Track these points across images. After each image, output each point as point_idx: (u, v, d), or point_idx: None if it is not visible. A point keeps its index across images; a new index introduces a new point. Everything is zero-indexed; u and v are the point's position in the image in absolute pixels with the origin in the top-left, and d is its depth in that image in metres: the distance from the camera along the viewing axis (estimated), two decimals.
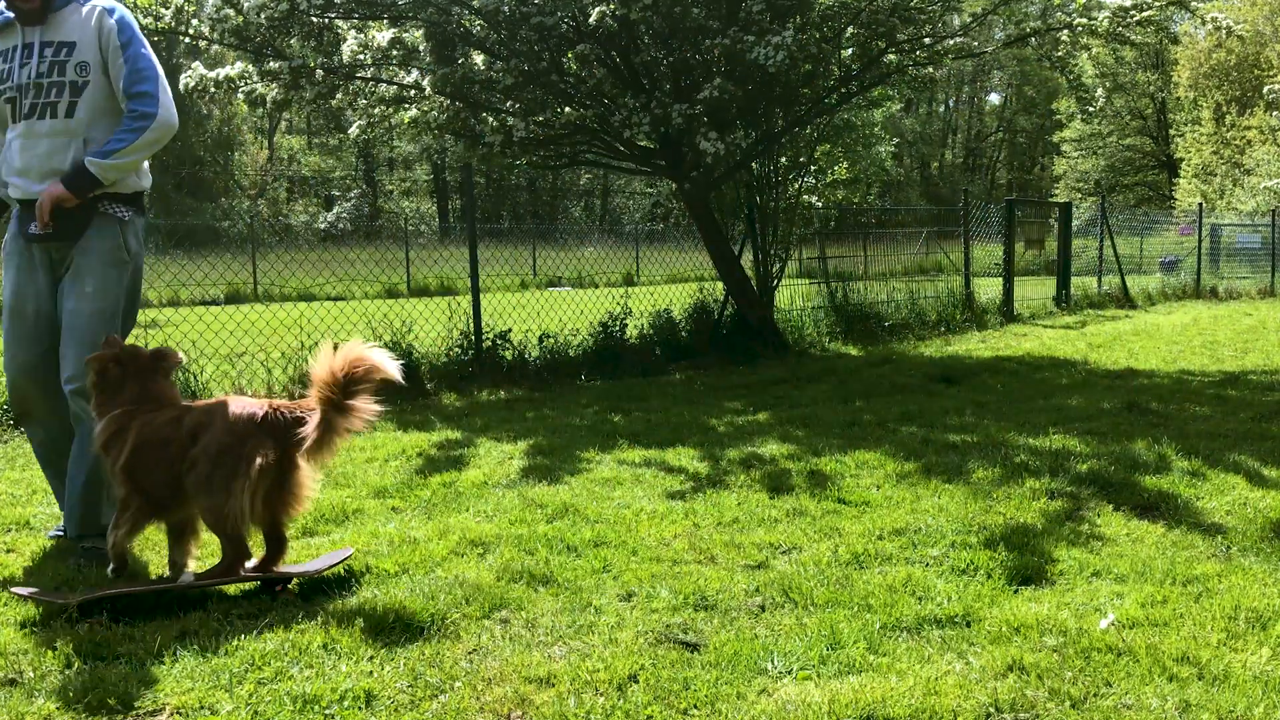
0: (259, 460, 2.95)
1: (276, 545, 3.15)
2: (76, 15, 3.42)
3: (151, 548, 3.55)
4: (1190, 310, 14.50)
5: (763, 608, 2.95)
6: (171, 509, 3.14)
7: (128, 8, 7.07)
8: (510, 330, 7.99)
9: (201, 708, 2.37)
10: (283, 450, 3.01)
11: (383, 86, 8.29)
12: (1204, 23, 8.31)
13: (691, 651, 2.65)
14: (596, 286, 18.38)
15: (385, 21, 7.77)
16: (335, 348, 2.99)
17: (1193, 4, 8.06)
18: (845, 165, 11.10)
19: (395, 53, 7.65)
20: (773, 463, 4.74)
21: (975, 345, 9.98)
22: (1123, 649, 2.61)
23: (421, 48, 7.74)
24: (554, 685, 2.46)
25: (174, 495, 3.08)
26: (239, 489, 2.94)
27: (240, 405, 3.08)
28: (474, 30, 7.82)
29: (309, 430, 2.97)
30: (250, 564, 3.12)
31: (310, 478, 3.13)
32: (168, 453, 3.05)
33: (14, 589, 3.03)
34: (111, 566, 3.19)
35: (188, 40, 7.61)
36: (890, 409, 6.15)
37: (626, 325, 8.52)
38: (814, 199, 10.39)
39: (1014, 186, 58.02)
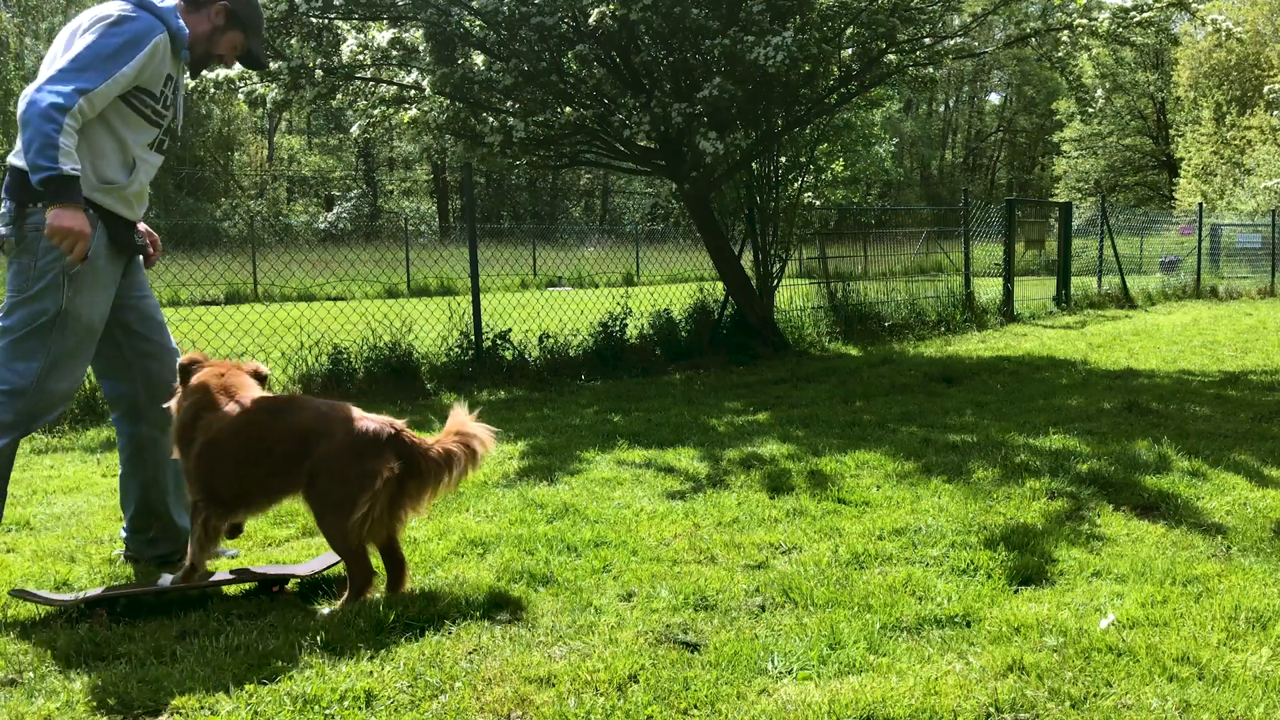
0: (385, 475, 2.91)
1: (397, 566, 3.05)
2: None
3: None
4: (1190, 310, 14.50)
5: (763, 608, 2.95)
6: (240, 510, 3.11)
7: None
8: (510, 330, 7.99)
9: (201, 708, 2.37)
10: (404, 469, 2.96)
11: (383, 86, 8.29)
12: (1204, 24, 8.30)
13: (691, 651, 2.65)
14: (596, 286, 18.38)
15: (385, 22, 7.77)
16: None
17: (1193, 5, 8.05)
18: (841, 164, 11.09)
19: (395, 53, 7.65)
20: (773, 463, 4.74)
21: (975, 345, 9.98)
22: (1123, 649, 2.61)
23: (421, 48, 7.74)
24: (554, 685, 2.46)
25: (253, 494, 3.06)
26: (363, 505, 2.89)
27: (360, 418, 3.01)
28: (474, 30, 7.82)
29: (433, 453, 2.96)
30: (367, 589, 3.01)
31: (427, 499, 3.08)
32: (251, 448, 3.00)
33: (16, 591, 3.03)
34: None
35: None
36: (890, 409, 6.15)
37: (626, 325, 8.52)
38: (810, 198, 10.38)
39: (1014, 186, 58.03)
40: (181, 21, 3.26)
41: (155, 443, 3.41)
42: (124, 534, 3.52)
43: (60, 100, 2.93)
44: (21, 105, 2.97)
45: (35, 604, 2.97)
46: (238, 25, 3.42)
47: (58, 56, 3.09)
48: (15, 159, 3.06)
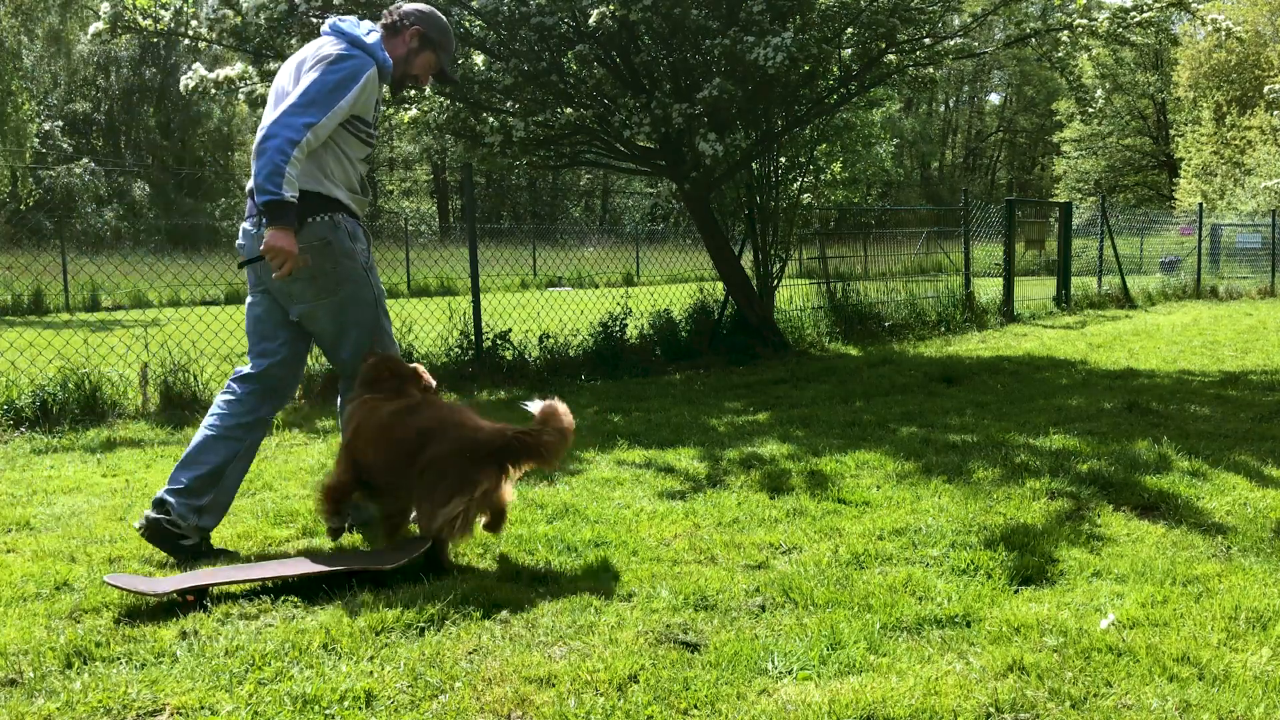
0: (485, 486, 3.23)
1: (497, 519, 3.41)
2: None
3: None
4: (1190, 310, 14.50)
5: (763, 608, 2.95)
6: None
7: (125, 9, 7.10)
8: (510, 330, 7.99)
9: (201, 708, 2.37)
10: (502, 474, 3.29)
11: None
12: (1204, 24, 8.30)
13: (692, 651, 2.65)
14: (596, 286, 18.38)
15: None
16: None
17: (1193, 5, 8.05)
18: (839, 164, 11.09)
19: None
20: (773, 463, 4.74)
21: (975, 345, 9.98)
22: (1123, 649, 2.61)
23: None
24: (554, 685, 2.46)
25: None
26: (456, 507, 3.18)
27: (474, 426, 3.34)
28: (474, 30, 7.82)
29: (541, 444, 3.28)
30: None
31: (509, 499, 3.38)
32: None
33: (109, 579, 3.05)
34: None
35: (187, 41, 7.60)
36: (890, 409, 6.15)
37: (626, 325, 8.52)
38: (809, 198, 10.38)
39: (1014, 186, 58.05)
40: (386, 54, 3.69)
41: (262, 425, 3.76)
42: (167, 496, 3.59)
43: (293, 135, 3.38)
44: (260, 135, 3.41)
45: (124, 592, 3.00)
46: (430, 46, 3.83)
47: (286, 91, 3.55)
48: (287, 190, 3.43)
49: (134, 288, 16.74)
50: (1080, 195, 42.32)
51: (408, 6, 3.85)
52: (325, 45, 3.58)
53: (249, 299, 3.75)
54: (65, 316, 14.89)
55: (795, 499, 4.09)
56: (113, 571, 3.31)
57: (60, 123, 37.98)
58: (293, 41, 7.47)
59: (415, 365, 3.74)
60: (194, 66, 7.63)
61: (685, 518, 3.86)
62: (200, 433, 3.63)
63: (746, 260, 9.61)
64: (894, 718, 2.28)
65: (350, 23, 3.65)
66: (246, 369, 3.72)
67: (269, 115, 3.49)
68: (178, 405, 6.37)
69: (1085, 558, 3.33)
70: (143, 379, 6.45)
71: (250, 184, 3.53)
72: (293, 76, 3.58)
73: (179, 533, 3.47)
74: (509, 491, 3.35)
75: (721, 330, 9.20)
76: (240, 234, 3.68)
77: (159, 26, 7.26)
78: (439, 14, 3.91)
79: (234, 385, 3.70)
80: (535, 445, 3.27)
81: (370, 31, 3.66)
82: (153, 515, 3.48)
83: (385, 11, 3.86)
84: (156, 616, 2.92)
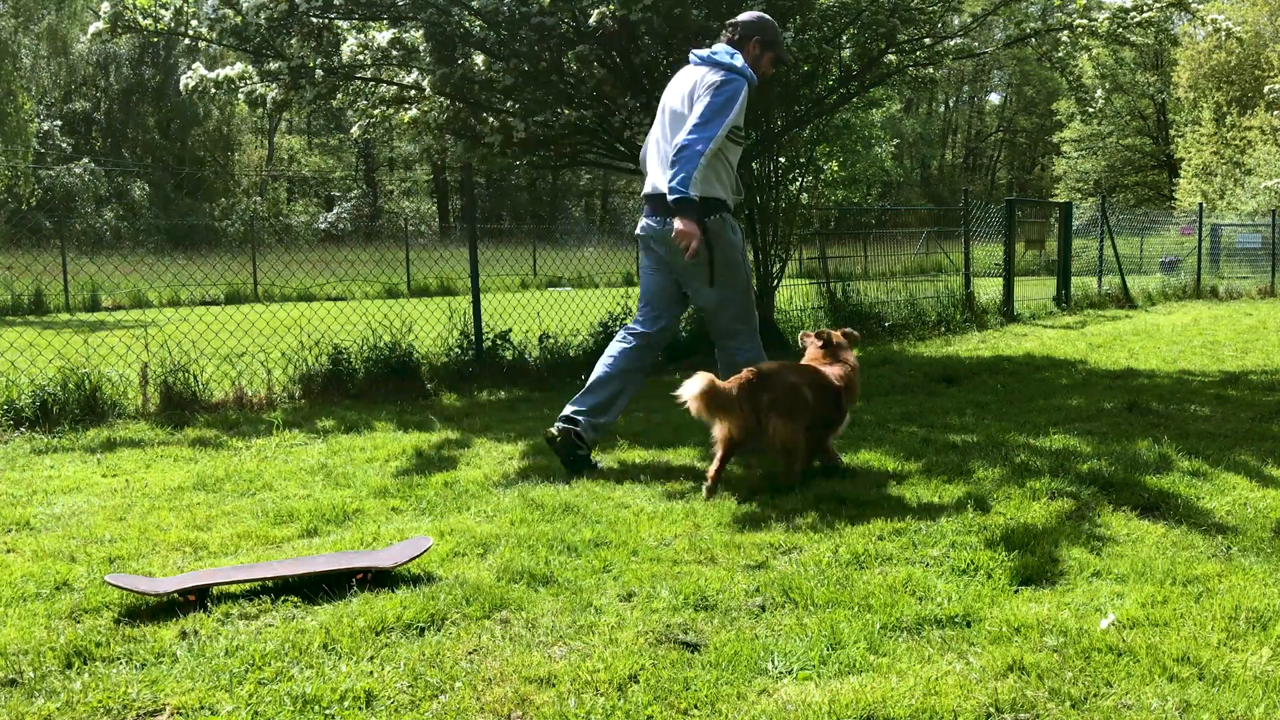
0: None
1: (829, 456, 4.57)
2: None
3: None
4: (1191, 310, 14.50)
5: (763, 608, 2.95)
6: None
7: (125, 9, 7.10)
8: (510, 330, 7.99)
9: (201, 708, 2.37)
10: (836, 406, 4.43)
11: (383, 87, 8.29)
12: (1204, 24, 8.30)
13: (692, 651, 2.65)
14: (596, 286, 18.38)
15: (385, 22, 7.77)
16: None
17: (1193, 5, 8.05)
18: (837, 165, 11.09)
19: (395, 53, 7.64)
20: (773, 463, 4.73)
21: (975, 345, 9.98)
22: (1123, 649, 2.61)
23: (421, 48, 7.73)
24: (554, 685, 2.46)
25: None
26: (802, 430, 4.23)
27: (821, 374, 4.43)
28: (474, 30, 7.82)
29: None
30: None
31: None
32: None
33: (109, 579, 3.05)
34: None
35: (187, 41, 7.60)
36: (890, 409, 6.15)
37: None
38: (807, 199, 10.38)
39: (1014, 186, 58.06)
40: (751, 70, 4.59)
41: (645, 370, 4.84)
42: (576, 415, 4.63)
43: (701, 147, 4.37)
44: (677, 147, 4.39)
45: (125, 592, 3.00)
46: (769, 48, 4.76)
47: (685, 112, 4.52)
48: (693, 191, 4.40)
49: (134, 288, 16.75)
50: (1080, 195, 42.33)
51: (742, 20, 4.74)
52: (708, 74, 4.51)
53: (647, 271, 4.84)
54: (65, 316, 14.89)
55: (795, 499, 4.08)
56: (113, 571, 3.31)
57: (59, 122, 38.00)
58: (293, 41, 7.48)
59: (830, 331, 4.72)
60: (194, 66, 7.63)
61: (685, 518, 3.86)
62: (599, 369, 4.72)
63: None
64: (894, 718, 2.28)
65: (721, 52, 4.56)
66: (640, 326, 4.80)
67: (661, 132, 4.63)
68: (178, 405, 6.37)
69: (1085, 558, 3.33)
70: (143, 379, 6.45)
71: (646, 189, 4.74)
72: (685, 100, 4.57)
73: (582, 444, 4.57)
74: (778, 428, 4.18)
75: None
76: (640, 227, 4.79)
77: (159, 26, 7.26)
78: (767, 17, 4.81)
79: (629, 336, 4.79)
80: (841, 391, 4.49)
81: (733, 55, 4.55)
82: (563, 426, 4.57)
83: (727, 28, 4.76)
84: (156, 616, 2.92)
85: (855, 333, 4.86)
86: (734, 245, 4.68)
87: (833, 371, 4.47)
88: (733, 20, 4.79)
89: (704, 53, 4.61)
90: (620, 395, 4.71)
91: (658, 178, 4.64)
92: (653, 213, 4.68)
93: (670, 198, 4.39)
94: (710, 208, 4.55)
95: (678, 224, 4.39)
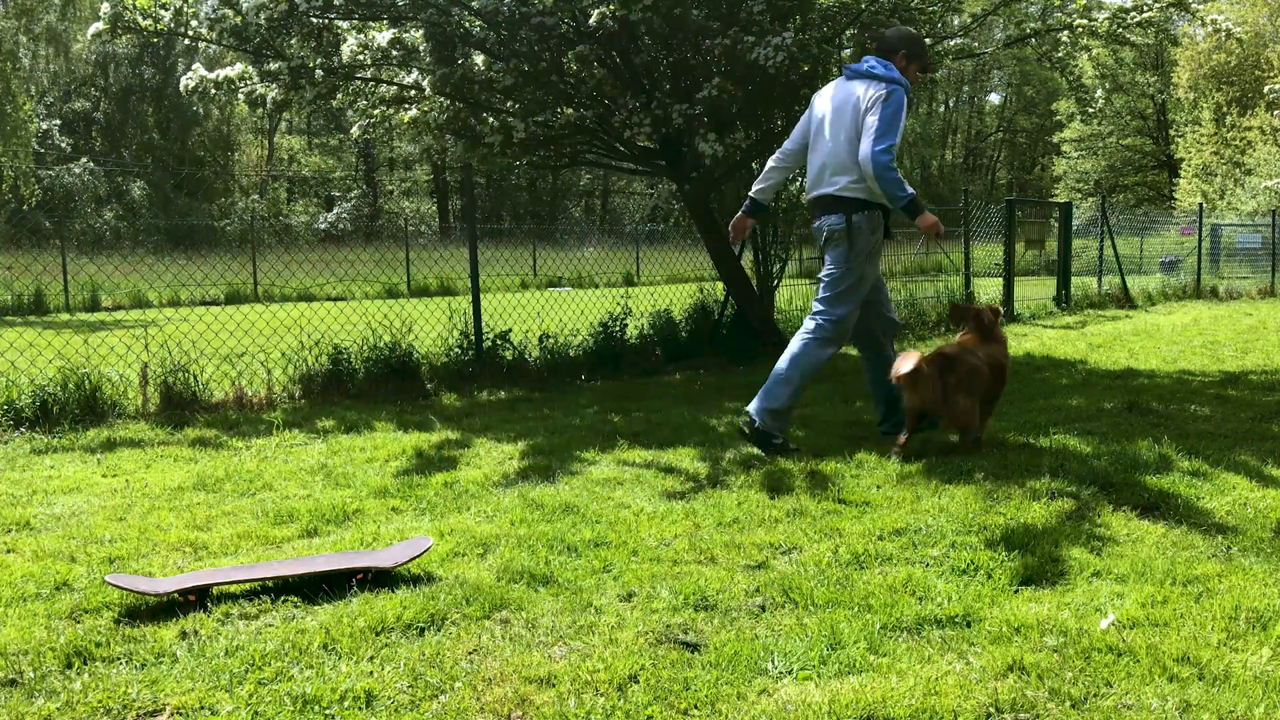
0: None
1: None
2: None
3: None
4: (1191, 310, 14.50)
5: (763, 608, 2.95)
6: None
7: (125, 9, 7.10)
8: (510, 330, 7.99)
9: (201, 708, 2.37)
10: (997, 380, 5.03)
11: (383, 87, 8.29)
12: (1204, 25, 8.30)
13: (692, 651, 2.65)
14: (596, 286, 18.38)
15: (385, 22, 7.77)
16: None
17: (1193, 5, 8.05)
18: None
19: (395, 53, 7.64)
20: (773, 463, 4.74)
21: None
22: (1123, 649, 2.61)
23: (421, 48, 7.73)
24: (554, 685, 2.46)
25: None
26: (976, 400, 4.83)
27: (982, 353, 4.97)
28: (474, 30, 7.82)
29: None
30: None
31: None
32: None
33: (109, 579, 3.05)
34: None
35: (187, 41, 7.60)
36: None
37: (626, 325, 8.52)
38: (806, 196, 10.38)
39: (1014, 186, 58.06)
40: (906, 78, 4.95)
41: (887, 360, 5.13)
42: (882, 420, 5.30)
43: (888, 157, 4.76)
44: (869, 162, 4.75)
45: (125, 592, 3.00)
46: (915, 60, 5.07)
47: (860, 126, 4.85)
48: (842, 191, 4.93)
49: (134, 288, 16.75)
50: (1080, 195, 42.34)
51: (890, 34, 5.09)
52: (870, 88, 4.84)
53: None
54: (65, 316, 14.89)
55: (795, 499, 4.09)
56: (113, 571, 3.31)
57: (58, 122, 38.00)
58: (293, 41, 7.48)
59: (976, 306, 5.22)
60: (194, 66, 7.62)
61: (685, 518, 3.86)
62: (785, 357, 5.02)
63: (746, 261, 9.61)
64: (894, 718, 2.28)
65: (878, 66, 4.88)
66: (888, 312, 5.28)
67: (824, 144, 5.01)
68: (178, 405, 6.37)
69: (1085, 558, 3.33)
70: (143, 379, 6.45)
71: (816, 193, 5.10)
72: (852, 113, 4.89)
73: (775, 433, 4.86)
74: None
75: (721, 330, 9.20)
76: (825, 228, 5.08)
77: (159, 26, 7.26)
78: (911, 30, 5.23)
79: (884, 321, 5.27)
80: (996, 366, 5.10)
81: (888, 66, 4.89)
82: (885, 430, 5.18)
83: (872, 42, 5.21)
84: (156, 616, 2.92)
85: (1000, 308, 5.47)
86: (875, 243, 5.10)
87: (998, 351, 5.05)
88: (876, 34, 5.24)
89: (860, 66, 4.94)
90: (803, 383, 5.04)
91: (821, 181, 5.04)
92: (822, 214, 5.06)
93: (898, 205, 4.87)
94: (863, 205, 4.94)
95: (921, 219, 4.90)
